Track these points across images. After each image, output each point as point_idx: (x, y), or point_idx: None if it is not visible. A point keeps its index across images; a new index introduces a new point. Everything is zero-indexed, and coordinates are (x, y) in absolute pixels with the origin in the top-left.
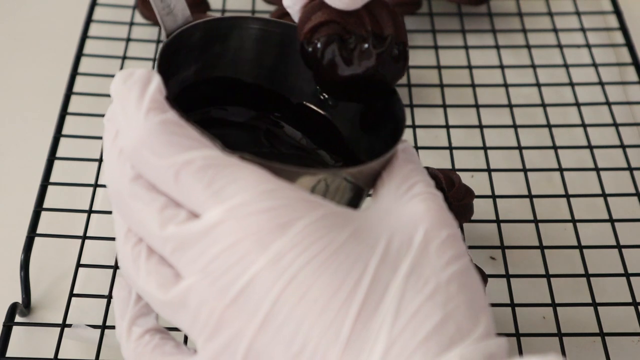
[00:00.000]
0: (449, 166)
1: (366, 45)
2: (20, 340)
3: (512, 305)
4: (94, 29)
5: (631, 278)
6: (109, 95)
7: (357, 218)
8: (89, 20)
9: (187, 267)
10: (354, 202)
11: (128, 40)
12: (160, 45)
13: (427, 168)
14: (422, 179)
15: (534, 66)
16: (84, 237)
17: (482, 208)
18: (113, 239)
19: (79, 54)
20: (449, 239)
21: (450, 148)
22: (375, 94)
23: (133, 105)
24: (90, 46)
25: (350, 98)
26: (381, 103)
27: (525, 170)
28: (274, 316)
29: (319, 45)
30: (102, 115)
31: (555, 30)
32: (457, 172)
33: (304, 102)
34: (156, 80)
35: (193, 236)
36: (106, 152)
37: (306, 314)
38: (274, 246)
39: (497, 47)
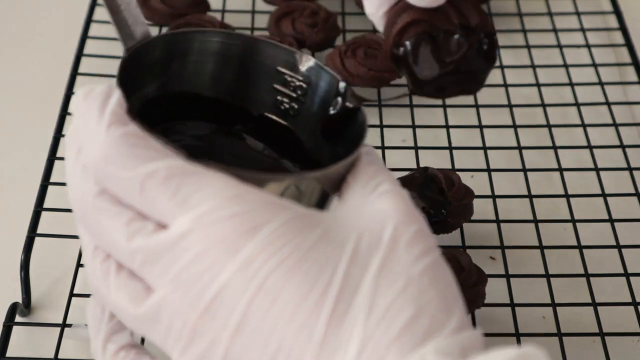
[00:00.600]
0: (449, 166)
1: (456, 37)
2: (20, 340)
3: (512, 305)
4: (94, 29)
5: (631, 278)
6: None
7: (325, 219)
8: (89, 20)
9: (157, 279)
10: (321, 206)
11: None
12: (119, 62)
13: (427, 168)
14: (387, 177)
15: (533, 66)
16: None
17: (482, 208)
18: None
19: (79, 54)
20: (418, 234)
21: (450, 148)
22: (469, 87)
23: (94, 120)
24: (90, 46)
25: (446, 94)
26: (342, 111)
27: (525, 170)
28: (247, 322)
29: (409, 46)
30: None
31: (555, 31)
32: (457, 172)
33: (265, 114)
34: (116, 95)
35: (161, 247)
36: (69, 170)
37: (279, 317)
38: (243, 252)
39: (497, 47)
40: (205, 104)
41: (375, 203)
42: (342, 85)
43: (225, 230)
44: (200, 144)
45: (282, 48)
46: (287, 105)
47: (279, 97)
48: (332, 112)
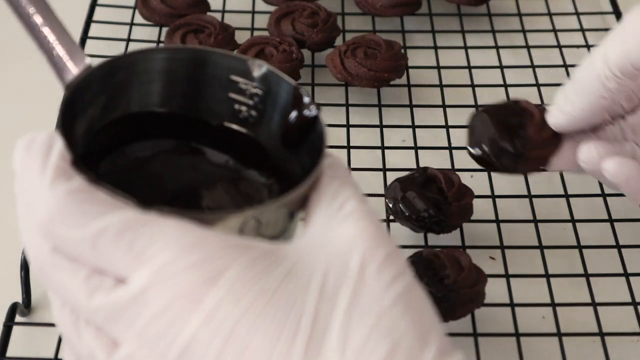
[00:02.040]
0: (449, 166)
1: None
2: (20, 340)
3: (512, 305)
4: (94, 30)
5: (630, 278)
6: None
7: (289, 254)
8: (89, 20)
9: (122, 334)
10: (286, 229)
11: (128, 40)
12: (60, 100)
13: (427, 168)
14: (352, 194)
15: (533, 66)
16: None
17: (481, 208)
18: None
19: None
20: (387, 258)
21: (450, 148)
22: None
23: (37, 177)
24: (90, 46)
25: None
26: (300, 119)
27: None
28: None
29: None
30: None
31: (554, 31)
32: (457, 172)
33: (225, 124)
34: (58, 146)
35: (122, 304)
36: (21, 225)
37: None
38: (206, 303)
39: (497, 47)
40: (161, 122)
41: (340, 227)
42: (297, 91)
43: (185, 281)
44: (158, 165)
45: (232, 56)
46: (245, 114)
47: (236, 106)
48: (290, 120)
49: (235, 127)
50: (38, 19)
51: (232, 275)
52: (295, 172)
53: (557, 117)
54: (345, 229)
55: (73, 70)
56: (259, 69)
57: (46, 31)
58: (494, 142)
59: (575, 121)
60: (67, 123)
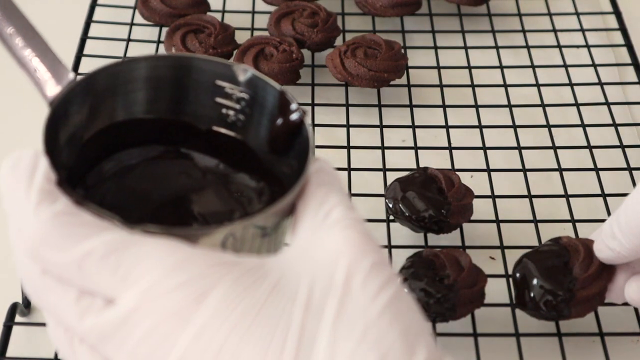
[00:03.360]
0: (449, 166)
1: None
2: (20, 340)
3: (512, 305)
4: (94, 30)
5: None
6: None
7: (274, 268)
8: (89, 20)
9: (114, 354)
10: (275, 238)
11: (128, 40)
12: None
13: (427, 168)
14: (339, 201)
15: (533, 66)
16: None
17: (481, 208)
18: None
19: (79, 54)
20: (374, 267)
21: (450, 148)
22: None
23: (22, 200)
24: (90, 46)
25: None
26: (285, 124)
27: (524, 170)
28: None
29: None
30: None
31: (554, 31)
32: (457, 172)
33: (213, 128)
34: (42, 166)
35: (112, 325)
36: (14, 246)
37: None
38: (194, 322)
39: (497, 47)
40: (148, 129)
41: (326, 237)
42: (283, 96)
43: (172, 302)
44: (148, 172)
45: (216, 62)
46: (233, 118)
47: (223, 110)
48: (277, 125)
49: (223, 131)
50: (18, 39)
51: (219, 293)
52: (286, 174)
53: (605, 252)
54: (331, 239)
55: (56, 86)
56: (244, 73)
57: (27, 51)
58: (542, 290)
59: (624, 258)
60: (52, 139)
